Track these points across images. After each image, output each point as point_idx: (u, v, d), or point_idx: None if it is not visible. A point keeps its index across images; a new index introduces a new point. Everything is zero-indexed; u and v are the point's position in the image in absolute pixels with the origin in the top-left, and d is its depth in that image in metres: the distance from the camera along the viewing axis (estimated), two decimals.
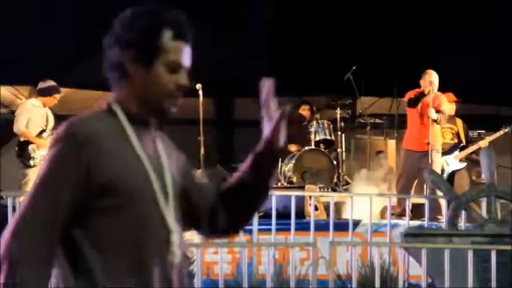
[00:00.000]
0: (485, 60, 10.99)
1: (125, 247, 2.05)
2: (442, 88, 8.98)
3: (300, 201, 7.80)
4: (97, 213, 2.04)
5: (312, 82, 11.13)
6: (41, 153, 8.66)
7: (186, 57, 2.17)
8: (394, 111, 11.51)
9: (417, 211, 8.12)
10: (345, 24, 11.44)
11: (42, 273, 1.98)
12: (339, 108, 10.61)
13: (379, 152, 11.23)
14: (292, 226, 6.96)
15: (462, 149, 9.39)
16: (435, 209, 7.99)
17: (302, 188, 8.58)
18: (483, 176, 6.69)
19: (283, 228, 7.15)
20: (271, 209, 7.01)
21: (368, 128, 11.06)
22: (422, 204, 7.54)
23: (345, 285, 6.86)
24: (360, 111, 11.83)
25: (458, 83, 9.62)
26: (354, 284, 6.21)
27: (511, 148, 10.12)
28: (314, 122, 10.07)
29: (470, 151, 9.37)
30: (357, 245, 7.02)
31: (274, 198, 7.02)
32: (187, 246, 6.13)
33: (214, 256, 7.08)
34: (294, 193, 7.31)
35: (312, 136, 9.96)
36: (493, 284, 5.54)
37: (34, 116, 8.96)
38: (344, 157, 10.50)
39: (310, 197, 7.72)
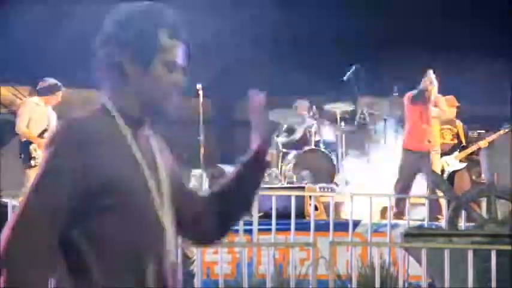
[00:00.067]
0: (485, 61, 10.98)
1: (123, 247, 2.06)
2: (443, 89, 8.98)
3: (300, 201, 7.79)
4: (95, 214, 2.04)
5: (312, 82, 11.11)
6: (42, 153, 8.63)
7: (182, 56, 2.17)
8: (394, 111, 11.49)
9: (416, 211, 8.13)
10: (345, 24, 11.43)
11: (42, 274, 1.98)
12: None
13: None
14: (292, 226, 6.96)
15: (462, 149, 9.40)
16: (435, 209, 8.00)
17: (302, 188, 8.58)
18: (483, 176, 6.72)
19: (283, 228, 7.15)
20: (271, 209, 7.01)
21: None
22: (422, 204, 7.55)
23: (345, 285, 6.86)
24: (360, 111, 11.81)
25: (458, 83, 9.62)
26: (354, 284, 6.20)
27: (511, 148, 10.12)
28: (314, 122, 10.07)
29: (470, 151, 9.38)
30: (357, 245, 7.02)
31: (274, 198, 7.02)
32: (187, 246, 6.14)
33: (214, 256, 7.08)
34: (294, 193, 7.31)
35: (312, 136, 9.96)
36: (493, 284, 5.54)
37: (35, 115, 8.91)
38: (344, 157, 10.49)
39: (310, 197, 7.72)
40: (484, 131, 9.99)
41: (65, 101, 9.10)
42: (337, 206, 8.27)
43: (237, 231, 6.90)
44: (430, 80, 8.69)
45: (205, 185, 9.21)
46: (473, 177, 9.82)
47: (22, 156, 8.83)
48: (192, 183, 9.32)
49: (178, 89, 2.17)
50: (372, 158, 10.38)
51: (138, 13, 2.14)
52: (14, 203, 5.97)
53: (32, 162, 8.75)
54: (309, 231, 6.99)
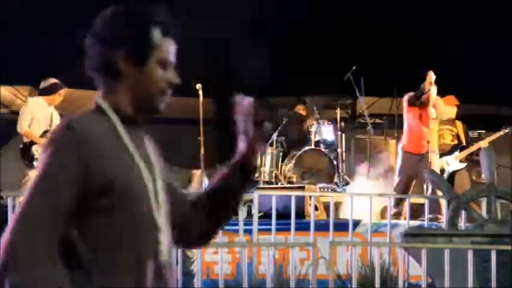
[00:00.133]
0: (485, 60, 10.98)
1: (121, 247, 2.05)
2: (443, 88, 8.98)
3: (300, 201, 7.80)
4: (94, 213, 2.04)
5: (312, 82, 11.11)
6: None
7: (173, 53, 2.17)
8: (394, 111, 11.51)
9: (416, 211, 8.12)
10: (345, 24, 11.44)
11: (45, 274, 1.96)
12: (339, 108, 10.62)
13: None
14: (292, 226, 6.95)
15: (462, 149, 9.40)
16: (435, 209, 8.00)
17: (302, 188, 8.58)
18: (483, 176, 6.70)
19: (283, 228, 7.15)
20: (271, 209, 7.01)
21: (368, 128, 11.07)
22: (422, 204, 7.55)
23: (345, 285, 6.86)
24: (360, 111, 11.83)
25: (458, 83, 9.62)
26: (354, 284, 6.21)
27: (511, 148, 10.12)
28: (314, 122, 10.08)
29: (471, 151, 9.38)
30: (357, 245, 7.02)
31: (274, 198, 7.02)
32: None
33: (214, 256, 7.08)
34: (294, 193, 7.31)
35: (312, 136, 9.97)
36: (493, 284, 5.54)
37: (38, 115, 8.83)
38: (344, 157, 10.50)
39: (310, 197, 7.72)
40: (484, 131, 10.00)
41: (67, 101, 9.08)
42: (337, 205, 8.28)
43: (237, 231, 6.91)
44: (430, 81, 8.68)
45: (206, 185, 9.21)
46: (473, 177, 9.82)
47: (24, 156, 8.79)
48: (193, 184, 9.32)
49: (173, 87, 2.17)
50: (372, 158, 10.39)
51: (130, 12, 2.14)
52: (14, 203, 5.96)
53: (35, 163, 8.69)
54: (309, 231, 6.99)
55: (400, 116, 9.86)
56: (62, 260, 2.03)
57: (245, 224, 6.91)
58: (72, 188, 2.01)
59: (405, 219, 7.56)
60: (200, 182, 9.22)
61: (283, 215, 7.24)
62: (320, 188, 9.18)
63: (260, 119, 2.24)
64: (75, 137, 2.03)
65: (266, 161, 9.70)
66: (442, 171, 9.11)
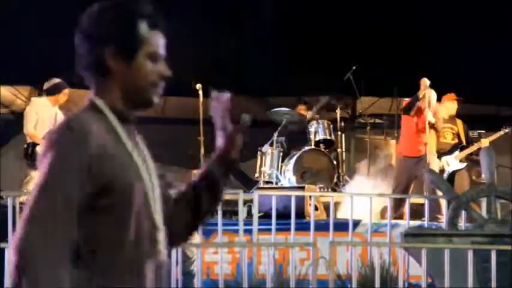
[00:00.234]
0: (485, 60, 10.98)
1: (121, 247, 2.05)
2: (442, 88, 8.98)
3: (300, 201, 7.79)
4: (94, 213, 2.03)
5: (312, 82, 11.12)
6: None
7: (162, 46, 2.16)
8: (394, 111, 11.52)
9: (417, 211, 8.12)
10: (345, 24, 11.44)
11: (58, 273, 1.94)
12: (339, 108, 10.62)
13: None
14: (292, 226, 6.95)
15: (462, 149, 9.40)
16: (435, 209, 7.99)
17: (302, 188, 8.58)
18: (483, 176, 6.70)
19: (283, 228, 7.15)
20: (271, 209, 7.01)
21: (368, 128, 11.08)
22: (422, 204, 7.55)
23: (345, 285, 6.86)
24: (360, 111, 11.84)
25: (458, 83, 9.63)
26: (354, 284, 6.21)
27: (511, 148, 10.12)
28: (314, 122, 10.08)
29: (471, 151, 9.38)
30: (357, 245, 7.02)
31: (274, 198, 7.02)
32: (187, 246, 6.14)
33: (214, 256, 7.08)
34: (294, 193, 7.31)
35: (312, 136, 9.97)
36: (493, 284, 5.54)
37: (43, 115, 8.78)
38: (344, 157, 10.50)
39: (310, 197, 7.72)
40: (484, 131, 10.00)
41: (67, 101, 9.07)
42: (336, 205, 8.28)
43: (237, 231, 6.91)
44: (426, 85, 8.66)
45: None
46: (473, 177, 9.83)
47: (27, 157, 8.76)
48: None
49: (165, 79, 2.16)
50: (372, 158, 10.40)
51: (115, 7, 2.12)
52: (14, 203, 5.96)
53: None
54: (309, 231, 6.98)
55: (400, 116, 9.86)
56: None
57: (245, 224, 6.91)
58: (80, 184, 1.99)
59: (405, 219, 7.56)
60: None
61: (283, 215, 7.24)
62: (320, 188, 9.18)
63: (237, 112, 2.25)
64: (79, 132, 2.02)
65: (266, 161, 9.70)
66: (442, 171, 9.12)
